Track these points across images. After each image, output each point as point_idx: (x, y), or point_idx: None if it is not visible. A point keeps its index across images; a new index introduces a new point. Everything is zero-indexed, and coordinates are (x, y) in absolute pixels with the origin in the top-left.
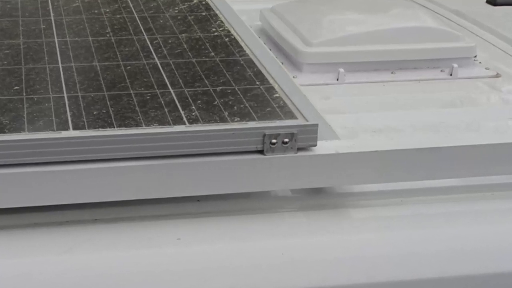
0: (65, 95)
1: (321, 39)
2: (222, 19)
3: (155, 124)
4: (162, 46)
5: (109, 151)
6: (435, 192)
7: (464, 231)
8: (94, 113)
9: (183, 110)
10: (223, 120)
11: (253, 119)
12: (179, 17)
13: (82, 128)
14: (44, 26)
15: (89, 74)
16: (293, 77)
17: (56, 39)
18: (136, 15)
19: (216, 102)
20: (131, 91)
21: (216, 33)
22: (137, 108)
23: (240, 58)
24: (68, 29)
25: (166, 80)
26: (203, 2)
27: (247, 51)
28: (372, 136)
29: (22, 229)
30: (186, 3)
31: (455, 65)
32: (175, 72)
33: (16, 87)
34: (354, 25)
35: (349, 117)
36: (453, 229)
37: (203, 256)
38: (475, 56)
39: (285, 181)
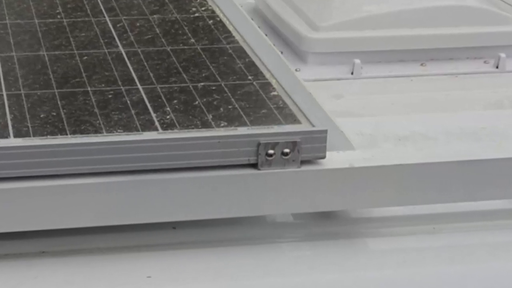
0: (4, 93)
1: (332, 21)
2: None
3: (119, 130)
4: (128, 30)
5: (60, 165)
6: (476, 217)
7: None
8: (41, 116)
9: (154, 112)
10: (205, 125)
11: (244, 124)
12: None
13: (25, 135)
14: None
15: (35, 66)
16: (296, 70)
17: None
18: None
19: (197, 102)
20: (89, 88)
21: (197, 14)
22: (96, 110)
23: (227, 46)
24: (8, 9)
25: (133, 74)
26: None
27: (237, 37)
28: (396, 145)
29: None
30: None
31: (503, 55)
32: (145, 63)
33: None
34: (373, 4)
35: (366, 122)
36: (499, 264)
37: None
38: None
39: (285, 203)
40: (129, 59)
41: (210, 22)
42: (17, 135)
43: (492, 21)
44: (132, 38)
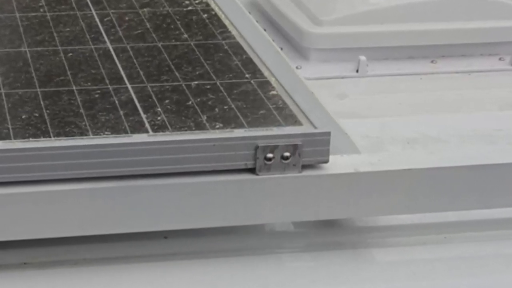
0: None
1: (335, 15)
2: None
3: (106, 133)
4: (116, 25)
5: (43, 170)
6: (490, 226)
7: None
8: (23, 117)
9: (145, 113)
10: (199, 127)
11: (241, 126)
12: None
13: (6, 137)
14: None
15: (16, 64)
16: (297, 67)
17: None
18: None
19: (190, 103)
20: (74, 87)
21: (190, 7)
22: (81, 111)
23: (223, 42)
24: None
25: (122, 72)
26: None
27: (233, 32)
28: (404, 148)
29: None
30: None
31: None
32: (134, 60)
33: None
34: None
35: (372, 123)
36: None
37: None
38: None
39: (285, 210)
40: (117, 56)
41: (205, 16)
42: None
43: (507, 15)
44: (120, 33)
